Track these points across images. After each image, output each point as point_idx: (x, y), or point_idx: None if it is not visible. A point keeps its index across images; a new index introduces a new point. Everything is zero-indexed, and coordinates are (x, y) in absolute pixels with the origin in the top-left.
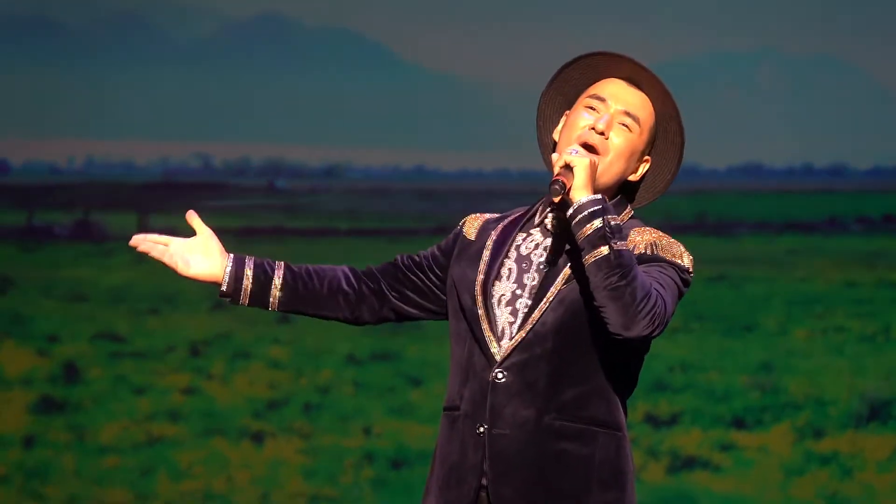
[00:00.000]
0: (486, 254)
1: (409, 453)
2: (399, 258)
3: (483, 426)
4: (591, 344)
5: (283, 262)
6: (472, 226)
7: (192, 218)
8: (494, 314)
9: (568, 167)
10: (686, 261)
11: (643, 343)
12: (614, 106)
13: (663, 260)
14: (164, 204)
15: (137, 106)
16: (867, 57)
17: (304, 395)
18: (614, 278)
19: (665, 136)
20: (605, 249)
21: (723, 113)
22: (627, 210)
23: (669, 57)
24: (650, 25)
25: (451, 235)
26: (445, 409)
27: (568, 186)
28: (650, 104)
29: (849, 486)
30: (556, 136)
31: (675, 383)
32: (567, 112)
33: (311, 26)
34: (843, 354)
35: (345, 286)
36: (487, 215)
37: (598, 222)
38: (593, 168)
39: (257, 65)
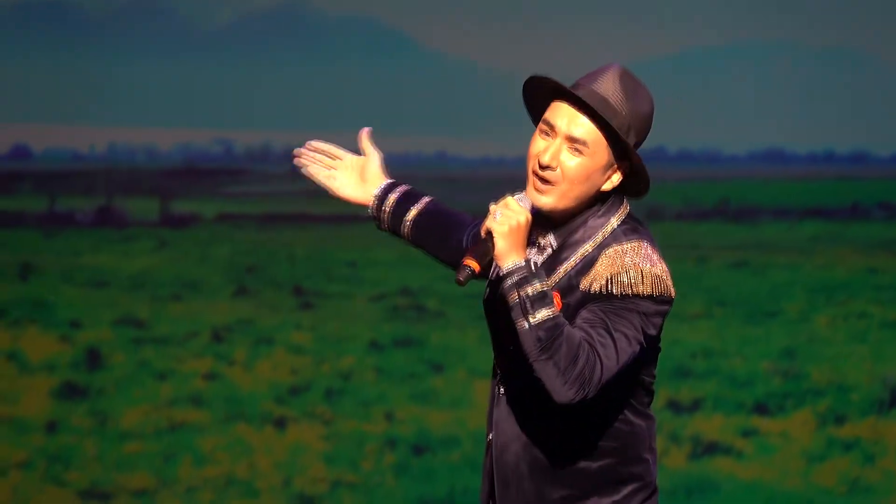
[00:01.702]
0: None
1: (431, 439)
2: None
3: (490, 434)
4: None
5: (428, 199)
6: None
7: (364, 137)
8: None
9: (489, 233)
10: (650, 287)
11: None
12: (561, 133)
13: (618, 297)
14: (186, 190)
15: (159, 93)
16: (888, 45)
17: (326, 381)
18: (536, 351)
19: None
20: (524, 323)
21: (744, 100)
22: (616, 216)
23: (692, 45)
24: (673, 14)
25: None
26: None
27: (478, 265)
28: (601, 126)
29: (870, 472)
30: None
31: (698, 369)
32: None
33: (332, 14)
34: (865, 341)
35: (463, 238)
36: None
37: (514, 295)
38: (516, 231)
39: (278, 52)
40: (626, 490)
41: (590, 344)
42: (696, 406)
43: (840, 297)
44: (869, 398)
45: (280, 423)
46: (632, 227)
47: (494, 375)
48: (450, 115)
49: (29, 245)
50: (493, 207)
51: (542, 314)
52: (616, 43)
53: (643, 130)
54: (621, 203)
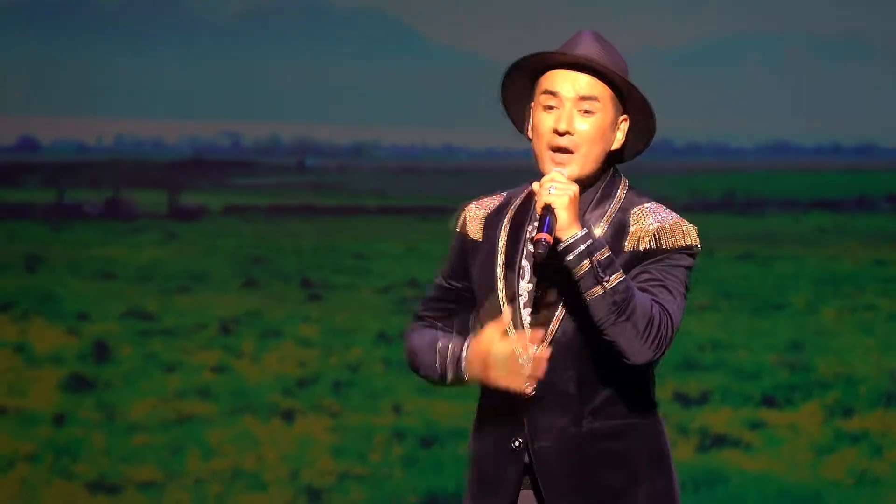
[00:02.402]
0: (501, 258)
1: (438, 431)
2: (428, 311)
3: (518, 441)
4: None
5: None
6: (474, 224)
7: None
8: (520, 320)
9: (548, 207)
10: (691, 238)
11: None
12: (567, 97)
13: (669, 251)
14: (194, 182)
15: (167, 84)
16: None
17: (333, 374)
18: (613, 316)
19: (630, 98)
20: (598, 289)
21: (751, 91)
22: (622, 184)
23: (699, 36)
24: (679, 5)
25: (455, 241)
26: (480, 403)
27: (551, 237)
28: (601, 80)
29: (878, 464)
30: (529, 134)
31: (705, 361)
32: (530, 105)
33: (339, 6)
34: (872, 333)
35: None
36: (485, 205)
37: (586, 263)
38: (573, 202)
39: (286, 44)
40: (668, 465)
41: (657, 302)
42: (703, 399)
43: (847, 290)
44: (877, 390)
45: (288, 416)
46: (637, 190)
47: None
48: (456, 107)
49: (36, 237)
50: (536, 186)
51: (615, 278)
52: (623, 35)
53: (627, 75)
54: (621, 176)
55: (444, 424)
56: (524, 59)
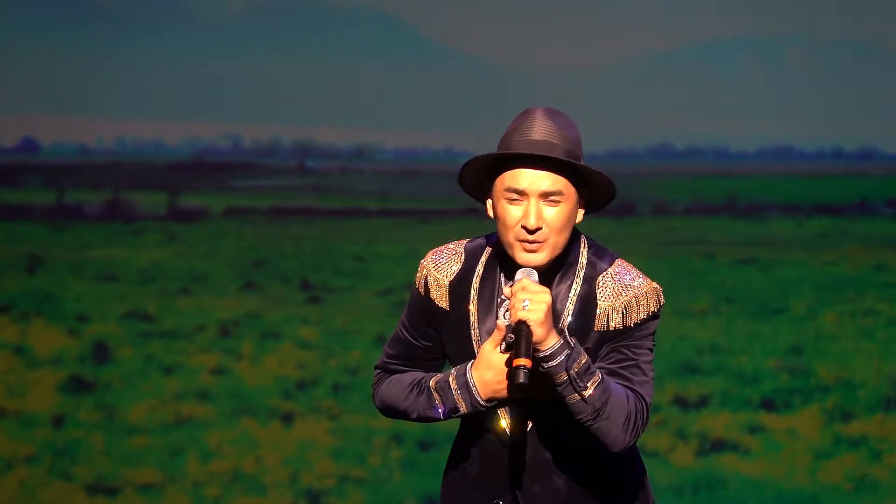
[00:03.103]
0: (475, 334)
1: (437, 435)
2: (394, 362)
3: (499, 503)
4: None
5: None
6: (438, 292)
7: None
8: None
9: (523, 323)
10: (657, 303)
11: None
12: (532, 193)
13: (638, 324)
14: (194, 184)
15: (167, 86)
16: None
17: (333, 376)
18: (592, 418)
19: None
20: (576, 397)
21: (753, 96)
22: (582, 244)
23: (700, 40)
24: (682, 8)
25: (420, 302)
26: (458, 449)
27: (531, 361)
28: (567, 178)
29: (878, 469)
30: (489, 211)
31: (705, 366)
32: (491, 190)
33: (341, 8)
34: (872, 338)
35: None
36: (445, 267)
37: (563, 374)
38: (548, 315)
39: (287, 45)
40: (640, 477)
41: (631, 389)
42: (702, 403)
43: (847, 294)
44: (876, 395)
45: (287, 418)
46: (597, 248)
47: (494, 446)
48: (458, 110)
49: (37, 238)
50: (508, 294)
51: (593, 384)
52: (624, 38)
53: (581, 150)
54: (580, 237)
55: (443, 428)
56: (481, 158)
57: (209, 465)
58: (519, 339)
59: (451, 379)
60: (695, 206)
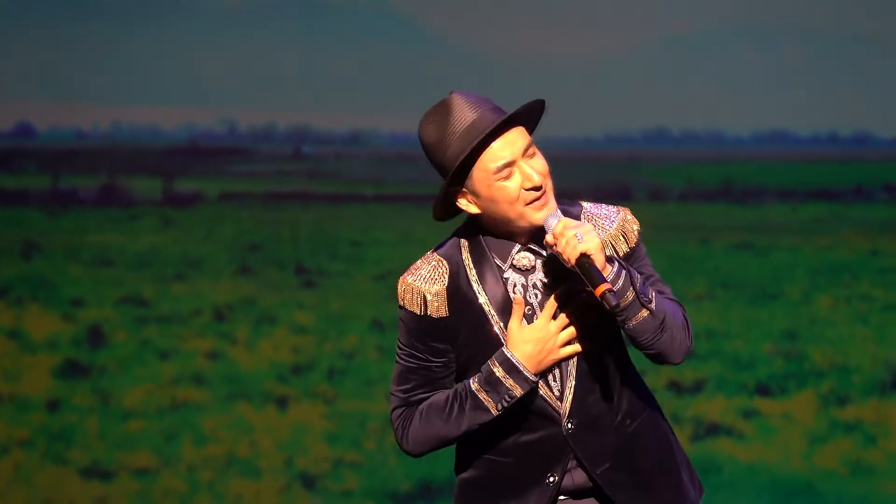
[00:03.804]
0: (496, 323)
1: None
2: (415, 393)
3: (553, 476)
4: (614, 352)
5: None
6: (437, 303)
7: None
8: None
9: (585, 255)
10: (637, 222)
11: None
12: (515, 157)
13: (636, 245)
14: (190, 169)
15: (163, 71)
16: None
17: (328, 360)
18: (659, 332)
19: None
20: (643, 313)
21: (748, 81)
22: None
23: (697, 26)
24: None
25: (417, 324)
26: (475, 446)
27: (610, 284)
28: (516, 125)
29: (872, 453)
30: (471, 209)
31: (700, 350)
32: (462, 190)
33: None
34: (867, 323)
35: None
36: (432, 277)
37: (630, 293)
38: (601, 240)
39: (283, 31)
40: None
41: (670, 299)
42: (697, 387)
43: (843, 279)
44: (871, 380)
45: (282, 403)
46: (563, 199)
47: (542, 426)
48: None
49: (32, 223)
50: (549, 239)
51: (652, 294)
52: (618, 27)
53: None
54: None
55: None
56: (457, 168)
57: (204, 449)
58: (587, 271)
59: (494, 370)
60: (690, 191)
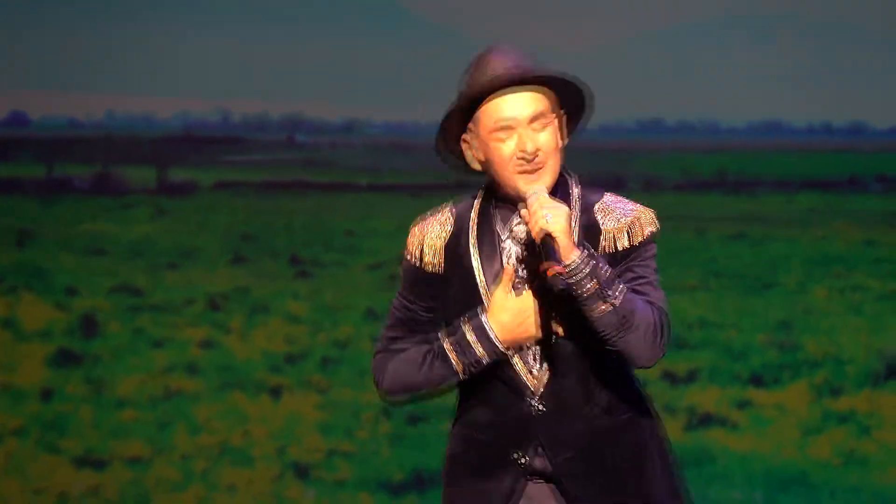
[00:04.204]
0: (482, 284)
1: (426, 409)
2: (398, 338)
3: (518, 454)
4: (601, 344)
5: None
6: (434, 255)
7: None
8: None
9: (549, 235)
10: (656, 225)
11: None
12: (520, 120)
13: (641, 245)
14: (184, 158)
15: (158, 61)
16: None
17: (322, 350)
18: (621, 331)
19: (559, 87)
20: (606, 307)
21: (743, 70)
22: (574, 180)
23: (691, 16)
24: None
25: (414, 272)
26: (462, 424)
27: (563, 268)
28: (538, 90)
29: (866, 444)
30: (474, 165)
31: (694, 340)
32: (464, 137)
33: None
34: (861, 313)
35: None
36: (438, 229)
37: (594, 285)
38: (570, 223)
39: (277, 20)
40: (656, 425)
41: (651, 303)
42: (691, 377)
43: (837, 270)
44: (865, 370)
45: (275, 392)
46: (585, 182)
47: (511, 401)
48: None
49: (26, 212)
50: (524, 213)
51: (619, 291)
52: (614, 17)
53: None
54: (569, 172)
55: (432, 402)
56: (461, 101)
57: (197, 438)
58: (547, 250)
59: (466, 332)
60: (685, 181)
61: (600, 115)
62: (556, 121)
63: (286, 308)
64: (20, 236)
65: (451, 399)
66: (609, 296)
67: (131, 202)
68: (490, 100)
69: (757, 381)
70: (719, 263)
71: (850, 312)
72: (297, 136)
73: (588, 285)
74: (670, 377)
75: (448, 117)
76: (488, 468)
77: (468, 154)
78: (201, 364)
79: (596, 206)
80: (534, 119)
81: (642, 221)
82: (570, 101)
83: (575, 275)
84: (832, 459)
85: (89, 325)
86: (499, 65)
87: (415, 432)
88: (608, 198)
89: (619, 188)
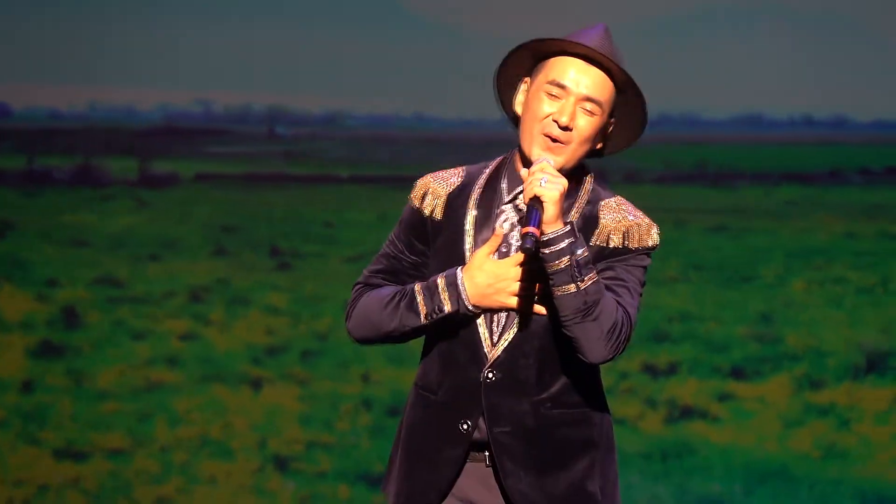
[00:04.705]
0: (469, 241)
1: (406, 400)
2: (376, 276)
3: (467, 423)
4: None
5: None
6: (435, 203)
7: None
8: (490, 315)
9: (537, 199)
10: (655, 240)
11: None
12: (575, 92)
13: (634, 251)
14: (165, 149)
15: (139, 51)
16: (869, 10)
17: (302, 342)
18: (580, 315)
19: (625, 98)
20: (571, 287)
21: (724, 62)
22: (590, 176)
23: (672, 9)
24: None
25: (412, 216)
26: (419, 386)
27: (539, 231)
28: (609, 80)
29: (846, 437)
30: (517, 108)
31: (674, 333)
32: (526, 78)
33: None
34: (841, 306)
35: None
36: (445, 182)
37: (566, 260)
38: (562, 197)
39: (258, 11)
40: (615, 459)
41: (621, 305)
42: (672, 370)
43: (818, 262)
44: (845, 364)
45: (256, 384)
46: (603, 185)
47: (466, 364)
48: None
49: (6, 203)
50: (525, 173)
51: (590, 278)
52: (593, 10)
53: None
54: (587, 167)
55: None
56: (538, 41)
57: (178, 430)
58: (530, 214)
59: (438, 279)
60: (666, 173)
61: None
62: (605, 120)
63: (266, 300)
64: (1, 227)
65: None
66: (578, 277)
67: (112, 194)
68: (565, 57)
69: (737, 373)
70: (700, 256)
71: (830, 305)
72: (278, 128)
73: (560, 260)
74: (651, 370)
75: (522, 47)
76: (443, 433)
77: (520, 96)
78: (182, 356)
79: (603, 203)
80: (587, 100)
81: (642, 230)
82: (623, 116)
83: (550, 245)
84: (812, 452)
85: (70, 317)
86: (595, 38)
87: (395, 424)
88: (619, 200)
89: (599, 180)
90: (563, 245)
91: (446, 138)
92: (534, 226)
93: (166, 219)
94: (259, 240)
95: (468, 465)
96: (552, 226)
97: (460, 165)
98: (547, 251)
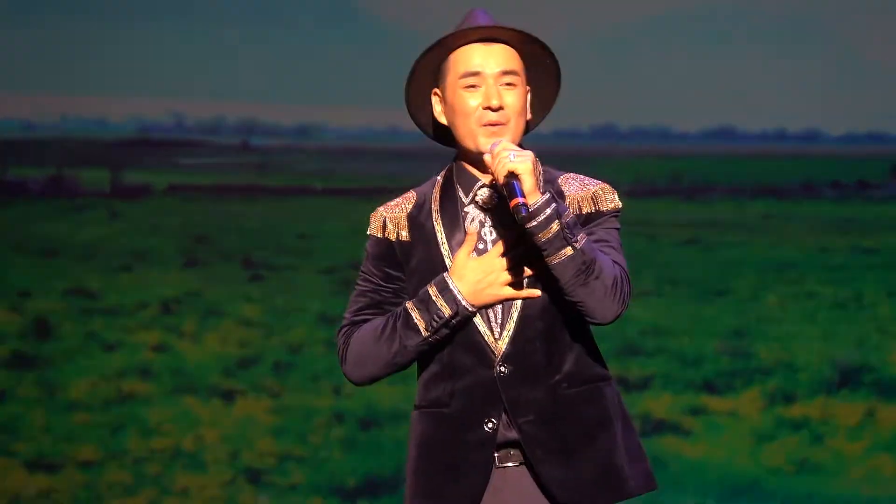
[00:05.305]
0: (445, 249)
1: (379, 413)
2: (362, 313)
3: (491, 421)
4: (566, 311)
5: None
6: (397, 227)
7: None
8: (486, 312)
9: (512, 174)
10: (618, 202)
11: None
12: (490, 73)
13: (606, 213)
14: (138, 161)
15: (111, 62)
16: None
17: (274, 354)
18: (582, 276)
19: (532, 61)
20: (567, 251)
21: (696, 76)
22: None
23: (640, 17)
24: None
25: (377, 248)
26: (423, 407)
27: (527, 201)
28: (512, 49)
29: (819, 451)
30: (440, 118)
31: (647, 347)
32: (436, 90)
33: None
34: (814, 321)
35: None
36: (400, 206)
37: (555, 225)
38: (535, 165)
39: (232, 23)
40: (632, 422)
41: (614, 261)
42: (644, 384)
43: (791, 276)
44: (818, 378)
45: (228, 396)
46: (549, 166)
47: (474, 365)
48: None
49: None
50: (488, 159)
51: (582, 237)
52: (563, 21)
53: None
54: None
55: (384, 406)
56: (428, 50)
57: (150, 442)
58: (511, 189)
59: (429, 289)
60: (638, 187)
61: (553, 120)
62: (525, 87)
63: (239, 312)
64: None
65: (404, 404)
66: (572, 237)
67: (85, 205)
68: (464, 48)
69: (710, 388)
70: (672, 269)
71: (803, 319)
72: (250, 140)
73: (551, 225)
74: (623, 383)
75: (418, 65)
76: (466, 439)
77: (437, 107)
78: (154, 367)
79: (560, 178)
80: (503, 73)
81: (607, 192)
82: (538, 78)
83: (537, 215)
84: (785, 467)
85: (42, 328)
86: (480, 19)
87: (367, 437)
88: (572, 174)
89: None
90: (549, 211)
91: (420, 151)
92: (520, 197)
93: (139, 230)
94: (232, 251)
95: (496, 479)
96: (533, 196)
97: (408, 190)
98: (535, 222)
